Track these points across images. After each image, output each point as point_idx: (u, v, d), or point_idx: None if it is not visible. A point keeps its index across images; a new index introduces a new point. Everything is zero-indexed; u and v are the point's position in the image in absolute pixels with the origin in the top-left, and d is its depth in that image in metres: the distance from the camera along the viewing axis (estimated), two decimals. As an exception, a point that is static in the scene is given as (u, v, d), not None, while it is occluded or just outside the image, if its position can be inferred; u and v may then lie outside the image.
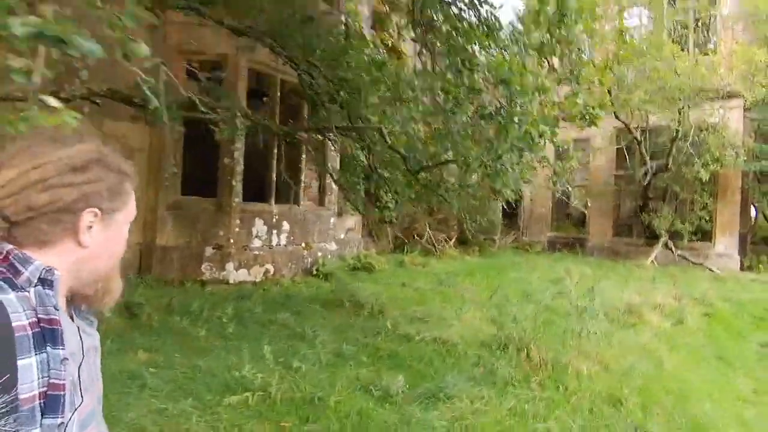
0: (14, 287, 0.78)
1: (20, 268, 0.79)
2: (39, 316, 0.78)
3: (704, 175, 11.59)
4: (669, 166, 13.22)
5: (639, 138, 13.51)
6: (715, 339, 6.50)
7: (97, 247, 0.88)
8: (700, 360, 5.36)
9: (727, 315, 7.96)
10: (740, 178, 14.65)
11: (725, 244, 14.98)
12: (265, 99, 8.43)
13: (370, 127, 5.77)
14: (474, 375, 4.02)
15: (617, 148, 15.90)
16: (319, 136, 6.72)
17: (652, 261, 13.87)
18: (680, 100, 11.30)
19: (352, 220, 13.13)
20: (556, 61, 5.54)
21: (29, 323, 0.76)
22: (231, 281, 8.36)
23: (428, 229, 14.79)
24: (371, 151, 5.88)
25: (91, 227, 0.87)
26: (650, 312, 6.57)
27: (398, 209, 10.47)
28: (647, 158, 13.57)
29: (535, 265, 12.73)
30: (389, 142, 5.55)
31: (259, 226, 8.97)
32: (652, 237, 15.32)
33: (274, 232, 9.24)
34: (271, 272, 9.07)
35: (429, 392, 3.63)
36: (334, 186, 10.30)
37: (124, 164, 0.95)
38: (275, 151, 9.00)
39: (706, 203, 13.91)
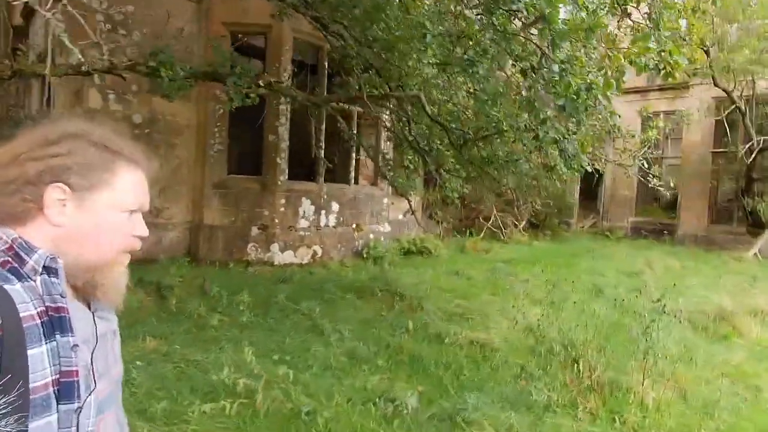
0: (20, 277, 0.78)
1: (25, 257, 0.80)
2: (47, 304, 0.78)
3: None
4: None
5: (743, 108, 11.61)
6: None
7: (73, 228, 0.84)
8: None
9: None
10: None
11: None
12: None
13: (405, 96, 5.09)
14: (506, 393, 3.30)
15: (716, 121, 13.90)
16: (354, 107, 6.11)
17: (755, 254, 12.02)
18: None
19: (412, 201, 12.48)
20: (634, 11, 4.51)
21: (37, 312, 0.77)
22: (276, 263, 8.08)
23: (495, 211, 13.81)
24: (410, 123, 5.19)
25: (64, 205, 0.83)
26: (748, 320, 5.40)
27: (451, 189, 9.67)
28: (753, 132, 11.65)
29: (612, 254, 11.45)
30: (429, 111, 4.84)
31: (306, 206, 8.60)
32: (756, 225, 13.33)
33: (323, 212, 8.84)
34: (319, 254, 8.70)
35: (444, 413, 2.98)
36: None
37: (119, 143, 0.90)
38: (323, 127, 8.55)
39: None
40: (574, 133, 3.85)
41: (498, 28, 2.59)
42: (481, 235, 13.28)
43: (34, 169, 0.82)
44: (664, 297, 5.71)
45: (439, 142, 5.63)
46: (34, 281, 0.79)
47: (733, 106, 11.91)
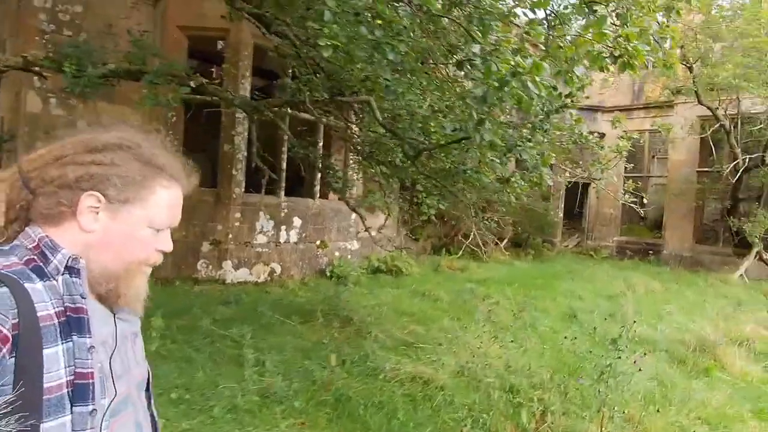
0: (43, 276, 0.79)
1: (49, 255, 0.81)
2: (66, 304, 0.78)
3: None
4: (765, 160, 10.91)
5: (728, 126, 11.27)
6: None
7: (104, 237, 0.85)
8: (802, 431, 3.70)
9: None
10: None
11: (833, 257, 12.32)
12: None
13: (355, 101, 4.61)
14: (437, 446, 2.74)
15: (702, 140, 13.58)
16: (304, 115, 5.63)
17: (741, 275, 11.59)
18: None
19: (385, 217, 11.97)
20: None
21: (56, 312, 0.77)
22: (228, 281, 7.49)
23: (474, 229, 13.30)
24: (361, 131, 4.71)
25: (97, 213, 0.84)
26: (732, 351, 4.88)
27: (427, 205, 9.13)
28: (738, 151, 11.30)
29: (594, 276, 10.95)
30: (380, 118, 4.36)
31: (264, 221, 8.05)
32: (742, 246, 12.95)
33: (283, 227, 8.29)
34: (278, 272, 8.13)
35: (353, 475, 2.42)
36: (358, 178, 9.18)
37: (163, 160, 0.89)
38: (285, 137, 8.05)
39: (814, 206, 11.43)
40: (529, 140, 3.37)
41: (421, 6, 2.11)
42: (460, 253, 12.77)
43: (73, 173, 0.82)
44: (649, 324, 5.18)
45: (400, 153, 5.15)
46: (56, 280, 0.79)
47: (718, 124, 11.58)
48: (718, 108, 11.23)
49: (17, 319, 0.72)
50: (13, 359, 0.71)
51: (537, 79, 1.95)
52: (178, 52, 7.56)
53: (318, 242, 8.75)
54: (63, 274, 0.79)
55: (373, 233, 11.68)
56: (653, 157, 21.08)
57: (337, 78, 4.90)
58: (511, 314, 5.73)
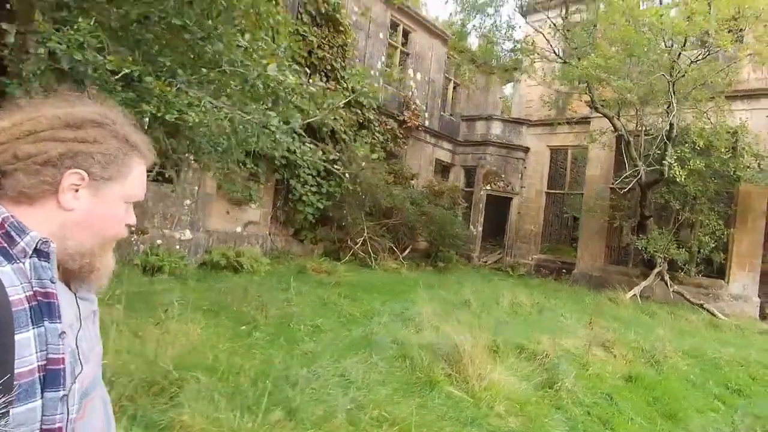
0: (9, 258, 0.74)
1: (16, 237, 0.76)
2: (35, 289, 0.75)
3: (679, 174, 8.52)
4: (664, 174, 10.20)
5: (626, 137, 10.59)
6: (606, 426, 3.74)
7: (84, 215, 0.82)
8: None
9: (672, 381, 5.11)
10: (766, 199, 11.38)
11: (743, 283, 11.67)
12: None
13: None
14: None
15: (616, 155, 12.93)
16: None
17: (633, 296, 10.80)
18: (669, 79, 8.39)
19: (257, 213, 10.94)
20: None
21: (26, 297, 0.74)
22: None
23: (366, 234, 12.33)
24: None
25: (77, 190, 0.81)
26: (491, 362, 3.89)
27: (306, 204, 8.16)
28: (639, 164, 10.59)
29: (470, 288, 9.95)
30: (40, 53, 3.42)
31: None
32: (650, 266, 12.22)
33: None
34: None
35: None
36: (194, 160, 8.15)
37: (135, 136, 0.89)
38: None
39: (715, 227, 10.74)
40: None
41: None
42: (346, 258, 11.76)
43: (56, 150, 0.79)
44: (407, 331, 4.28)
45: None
46: (23, 263, 0.75)
47: (616, 134, 10.90)
48: (613, 117, 10.54)
49: None
50: None
51: None
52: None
53: (134, 228, 7.66)
54: (31, 257, 0.75)
55: (238, 228, 10.62)
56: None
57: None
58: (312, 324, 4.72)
